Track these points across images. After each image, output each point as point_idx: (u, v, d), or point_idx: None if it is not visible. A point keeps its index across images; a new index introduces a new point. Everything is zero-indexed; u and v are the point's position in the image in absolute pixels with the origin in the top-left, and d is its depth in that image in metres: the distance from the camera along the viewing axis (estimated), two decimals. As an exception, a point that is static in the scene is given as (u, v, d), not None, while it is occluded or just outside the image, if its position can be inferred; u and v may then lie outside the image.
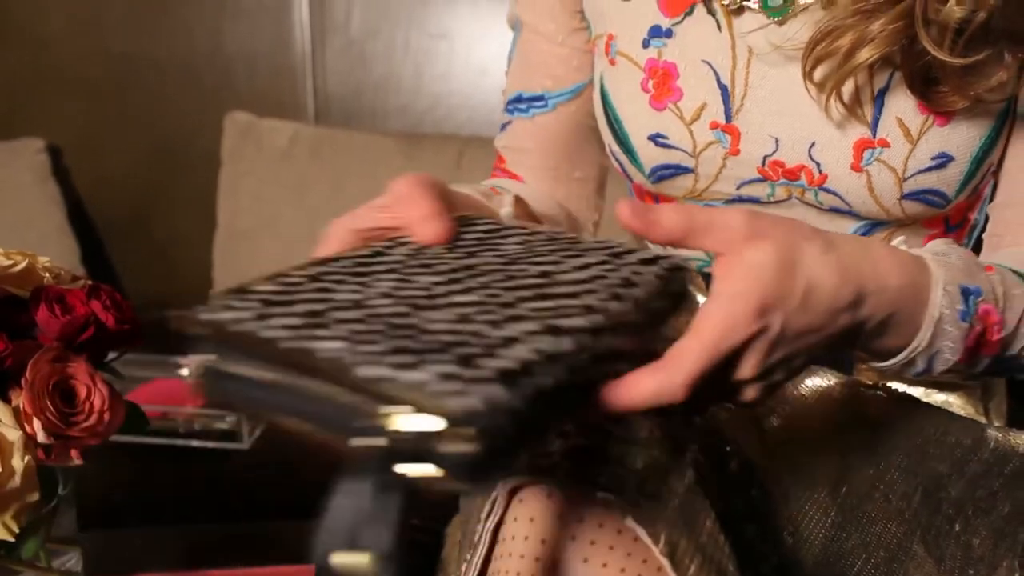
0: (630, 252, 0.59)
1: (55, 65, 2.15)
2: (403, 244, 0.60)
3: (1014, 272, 0.71)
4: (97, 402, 0.70)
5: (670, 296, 0.57)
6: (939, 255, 0.66)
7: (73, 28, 2.14)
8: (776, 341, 0.56)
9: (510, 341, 0.48)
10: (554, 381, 0.48)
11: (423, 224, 0.59)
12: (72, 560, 0.78)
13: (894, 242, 0.68)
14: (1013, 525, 0.69)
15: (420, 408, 0.43)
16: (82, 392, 0.70)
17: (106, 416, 0.70)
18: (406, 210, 0.60)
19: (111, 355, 0.77)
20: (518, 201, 0.85)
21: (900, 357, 0.65)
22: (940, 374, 0.68)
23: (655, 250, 0.61)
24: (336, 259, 0.58)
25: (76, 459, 0.70)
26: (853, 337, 0.60)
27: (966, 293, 0.64)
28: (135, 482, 1.30)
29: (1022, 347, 0.69)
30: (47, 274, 0.75)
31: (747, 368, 0.56)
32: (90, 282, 0.76)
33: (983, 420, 0.87)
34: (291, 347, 0.47)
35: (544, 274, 0.56)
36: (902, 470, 0.75)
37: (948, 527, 0.71)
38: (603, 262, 0.58)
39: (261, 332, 0.48)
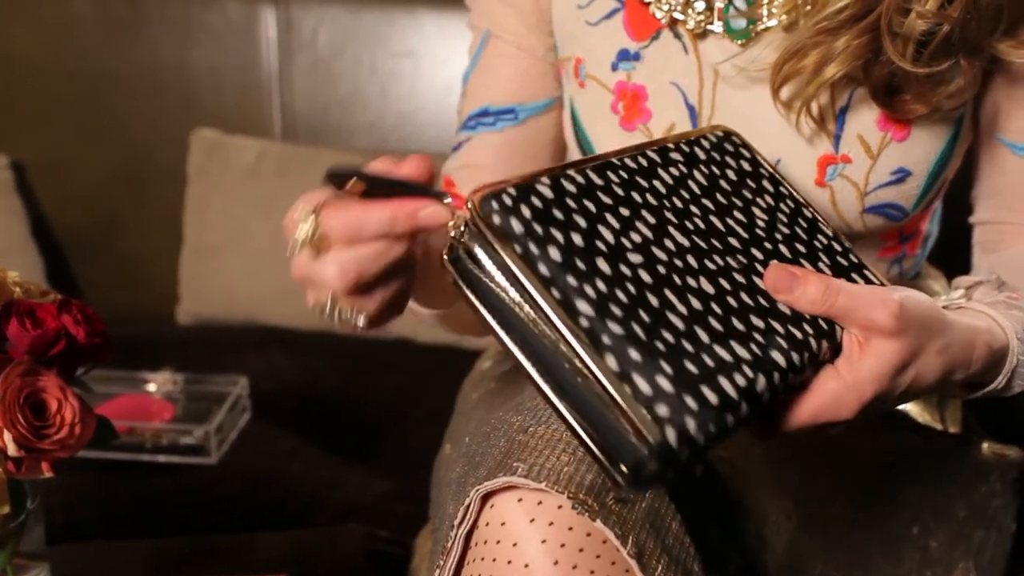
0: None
1: (20, 81, 2.13)
2: (673, 160, 0.64)
3: None
4: (68, 415, 0.70)
5: None
6: (1010, 306, 0.71)
7: (39, 44, 2.12)
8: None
9: (725, 367, 0.52)
10: (739, 419, 0.53)
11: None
12: (40, 575, 0.78)
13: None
14: (968, 528, 0.71)
15: (625, 412, 0.48)
16: (53, 405, 0.70)
17: (77, 429, 0.71)
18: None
19: (80, 369, 0.77)
20: None
21: (976, 395, 0.71)
22: None
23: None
24: (616, 164, 0.60)
25: (47, 472, 0.70)
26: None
27: None
28: (102, 498, 1.28)
29: None
30: (17, 288, 0.75)
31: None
32: (60, 296, 0.76)
33: (939, 427, 0.89)
34: (545, 294, 0.50)
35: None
36: (862, 475, 0.77)
37: (906, 530, 0.73)
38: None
39: (525, 253, 0.51)
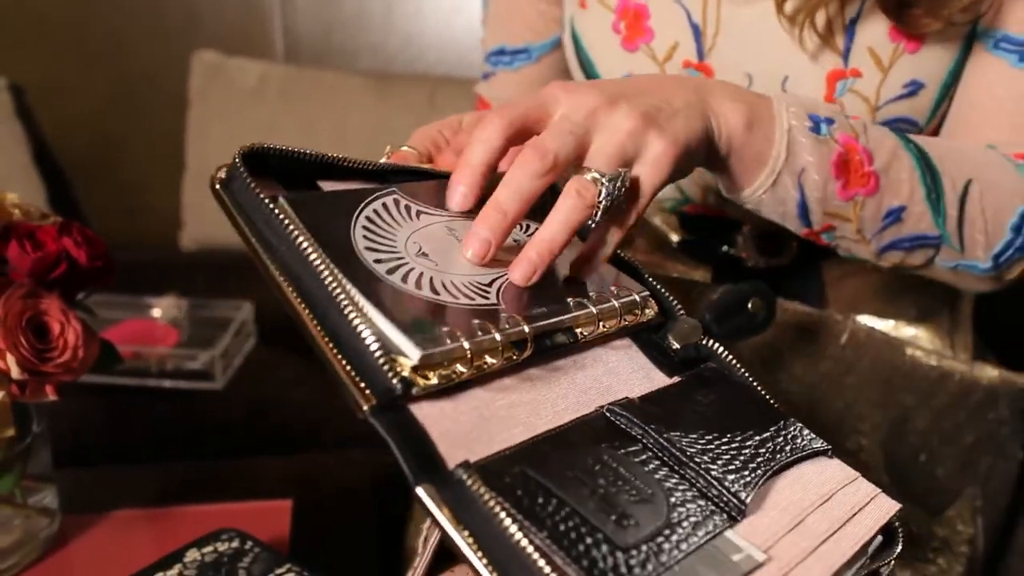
0: None
1: (18, 2, 2.10)
2: None
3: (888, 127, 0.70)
4: (71, 338, 0.70)
5: None
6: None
7: (35, -36, 2.09)
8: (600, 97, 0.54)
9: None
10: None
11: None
12: (47, 497, 0.78)
13: None
14: (976, 455, 0.71)
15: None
16: (55, 328, 0.69)
17: (80, 352, 0.70)
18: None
19: (82, 293, 0.76)
20: None
21: (765, 174, 0.63)
22: (840, 247, 0.67)
23: None
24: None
25: (51, 395, 0.70)
26: (706, 110, 0.59)
27: (814, 119, 0.64)
28: (108, 423, 1.29)
29: (908, 206, 0.68)
30: (16, 210, 0.74)
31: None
32: (61, 219, 0.75)
33: (949, 353, 0.89)
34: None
35: None
36: (870, 403, 0.77)
37: (914, 457, 0.73)
38: None
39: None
